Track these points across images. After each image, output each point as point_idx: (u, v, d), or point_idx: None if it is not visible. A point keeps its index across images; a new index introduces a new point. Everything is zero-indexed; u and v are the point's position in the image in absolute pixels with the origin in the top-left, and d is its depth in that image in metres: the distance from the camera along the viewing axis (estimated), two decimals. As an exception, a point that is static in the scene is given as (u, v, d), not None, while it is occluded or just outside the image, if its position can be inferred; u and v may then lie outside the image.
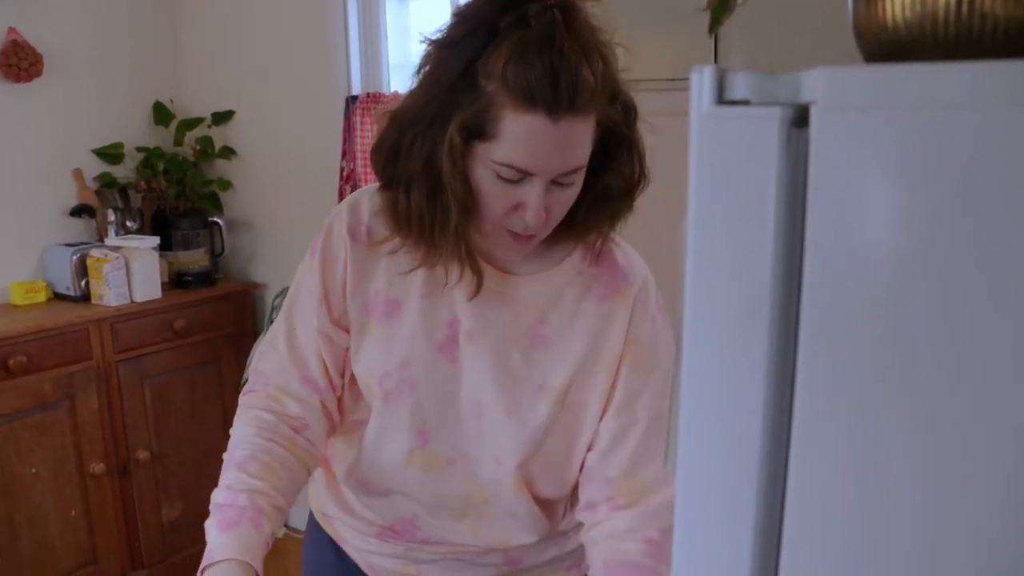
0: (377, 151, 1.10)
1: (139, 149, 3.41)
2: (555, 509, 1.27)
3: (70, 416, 2.88)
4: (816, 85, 0.48)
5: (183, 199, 3.40)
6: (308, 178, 3.27)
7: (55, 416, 2.84)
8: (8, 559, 2.76)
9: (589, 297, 1.19)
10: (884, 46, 0.59)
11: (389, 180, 1.10)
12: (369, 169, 2.86)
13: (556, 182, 1.04)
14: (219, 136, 3.50)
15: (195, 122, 3.46)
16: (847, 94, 0.47)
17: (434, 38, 1.05)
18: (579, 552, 1.29)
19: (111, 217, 3.21)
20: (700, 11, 1.92)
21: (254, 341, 3.45)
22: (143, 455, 3.08)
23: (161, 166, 3.37)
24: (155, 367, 3.10)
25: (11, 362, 2.69)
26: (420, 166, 1.04)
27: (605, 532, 1.14)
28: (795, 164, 0.50)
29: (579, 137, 1.03)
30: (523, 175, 1.02)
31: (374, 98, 2.92)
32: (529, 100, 0.97)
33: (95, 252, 3.03)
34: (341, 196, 3.05)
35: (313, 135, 3.22)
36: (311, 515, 1.48)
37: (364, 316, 1.19)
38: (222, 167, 3.54)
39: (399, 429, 1.20)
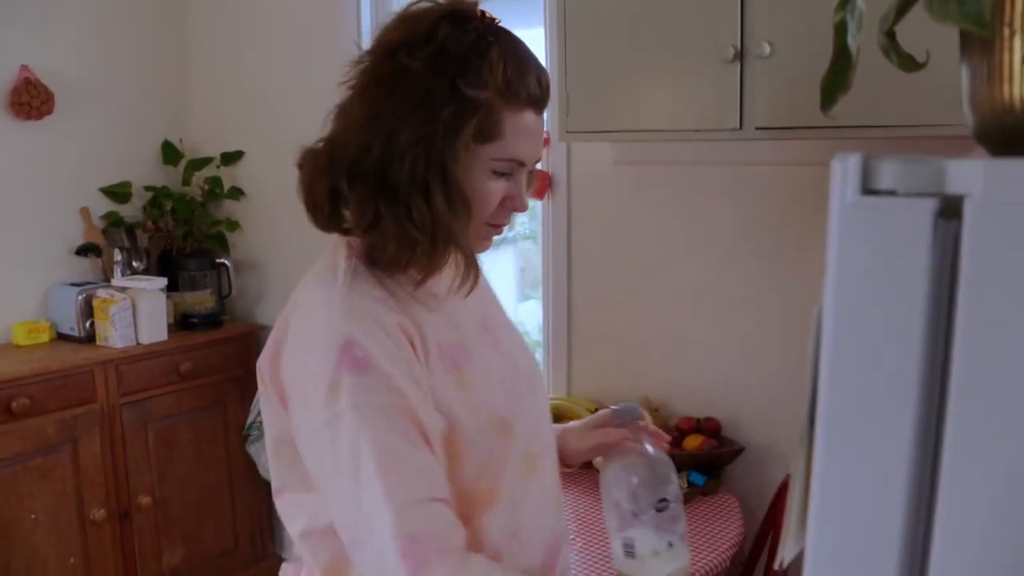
0: (359, 189, 1.08)
1: (147, 188, 3.39)
2: None
3: (72, 460, 2.82)
4: (971, 177, 0.46)
5: (190, 239, 3.37)
6: (318, 220, 3.25)
7: (57, 460, 2.78)
8: (4, 607, 2.69)
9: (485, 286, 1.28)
10: (1007, 129, 0.58)
11: (376, 215, 1.07)
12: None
13: (530, 167, 1.16)
14: (228, 176, 3.48)
15: (204, 162, 3.44)
16: (1009, 188, 0.45)
17: (386, 69, 1.08)
18: None
19: (117, 257, 3.18)
20: (726, 63, 1.93)
21: (259, 384, 3.40)
22: (145, 500, 3.02)
23: (169, 205, 3.35)
24: (159, 410, 3.05)
25: (14, 404, 2.64)
26: (415, 187, 1.06)
27: None
28: (943, 256, 0.48)
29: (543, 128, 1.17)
30: (517, 167, 1.12)
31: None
32: (525, 100, 1.09)
33: (101, 292, 2.99)
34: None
35: (324, 177, 3.20)
36: None
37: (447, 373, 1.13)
38: (230, 207, 3.52)
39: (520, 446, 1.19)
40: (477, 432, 1.12)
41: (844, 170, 0.48)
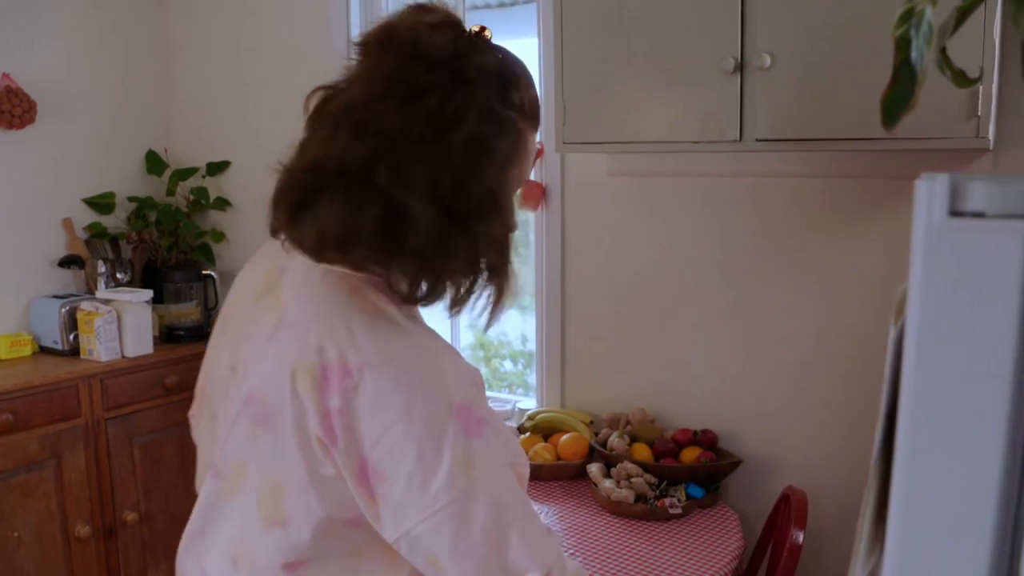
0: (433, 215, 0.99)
1: (131, 199, 3.33)
2: None
3: (56, 476, 2.76)
4: (1063, 198, 0.45)
5: (175, 250, 3.32)
6: (306, 231, 3.21)
7: (40, 477, 2.72)
8: (-14, 628, 2.62)
9: None
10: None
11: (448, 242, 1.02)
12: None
13: None
14: (213, 186, 3.43)
15: (189, 172, 3.39)
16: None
17: (431, 101, 0.99)
18: None
19: (101, 268, 3.12)
20: (727, 74, 1.92)
21: (245, 397, 3.35)
22: (131, 516, 2.96)
23: (153, 216, 3.30)
24: (145, 425, 2.99)
25: (-3, 420, 2.58)
26: (482, 213, 1.03)
27: None
28: (1033, 279, 0.46)
29: None
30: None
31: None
32: (538, 121, 1.12)
33: (85, 305, 2.94)
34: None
35: (313, 188, 3.17)
36: None
37: None
38: (216, 218, 3.47)
39: None
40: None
41: (931, 191, 0.47)
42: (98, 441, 2.86)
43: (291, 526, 1.02)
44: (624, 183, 2.48)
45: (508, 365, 3.44)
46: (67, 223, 3.18)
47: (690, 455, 2.31)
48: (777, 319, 2.30)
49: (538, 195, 2.59)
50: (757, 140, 1.95)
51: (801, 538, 1.86)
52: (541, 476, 2.43)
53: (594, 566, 1.93)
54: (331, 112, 1.04)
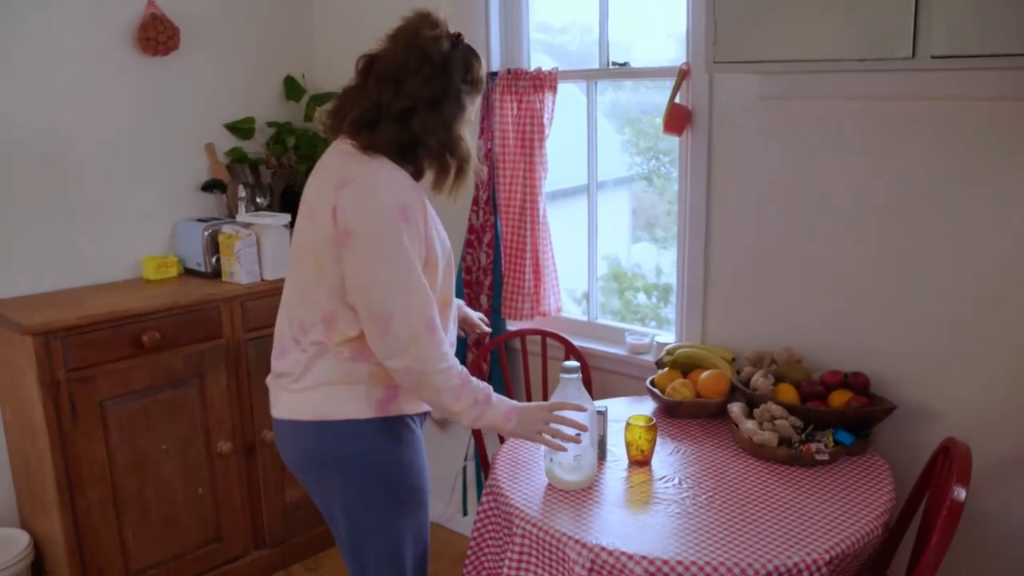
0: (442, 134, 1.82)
1: (270, 124, 3.36)
2: None
3: (199, 394, 2.85)
4: None
5: (313, 176, 3.33)
6: (441, 157, 3.17)
7: (185, 394, 2.81)
8: (138, 532, 2.75)
9: None
10: None
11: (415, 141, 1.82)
12: (509, 147, 2.73)
13: None
14: (350, 112, 3.42)
15: (326, 97, 3.38)
16: None
17: (435, 75, 1.78)
18: None
19: (241, 193, 3.17)
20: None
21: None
22: (269, 435, 3.04)
23: (291, 141, 3.32)
24: (283, 347, 3.05)
25: (145, 338, 2.67)
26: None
27: None
28: None
29: None
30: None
31: (515, 75, 2.78)
32: (481, 90, 1.89)
33: (227, 228, 2.99)
34: (477, 175, 2.93)
35: (448, 113, 3.11)
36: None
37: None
38: (352, 144, 3.47)
39: None
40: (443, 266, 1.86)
41: None
42: (239, 362, 2.93)
43: (324, 286, 1.77)
44: (777, 107, 2.31)
45: (642, 298, 3.34)
46: (209, 148, 3.23)
47: (839, 399, 2.16)
48: (942, 257, 2.11)
49: (683, 119, 2.44)
50: (933, 57, 1.75)
51: (964, 495, 1.70)
52: (679, 413, 2.34)
53: (733, 510, 1.83)
54: (377, 72, 1.81)
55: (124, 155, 3.01)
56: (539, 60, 2.99)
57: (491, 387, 1.83)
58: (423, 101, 1.75)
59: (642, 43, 2.80)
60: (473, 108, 1.86)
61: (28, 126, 2.78)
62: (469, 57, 1.82)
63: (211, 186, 3.20)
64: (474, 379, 1.81)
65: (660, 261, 3.14)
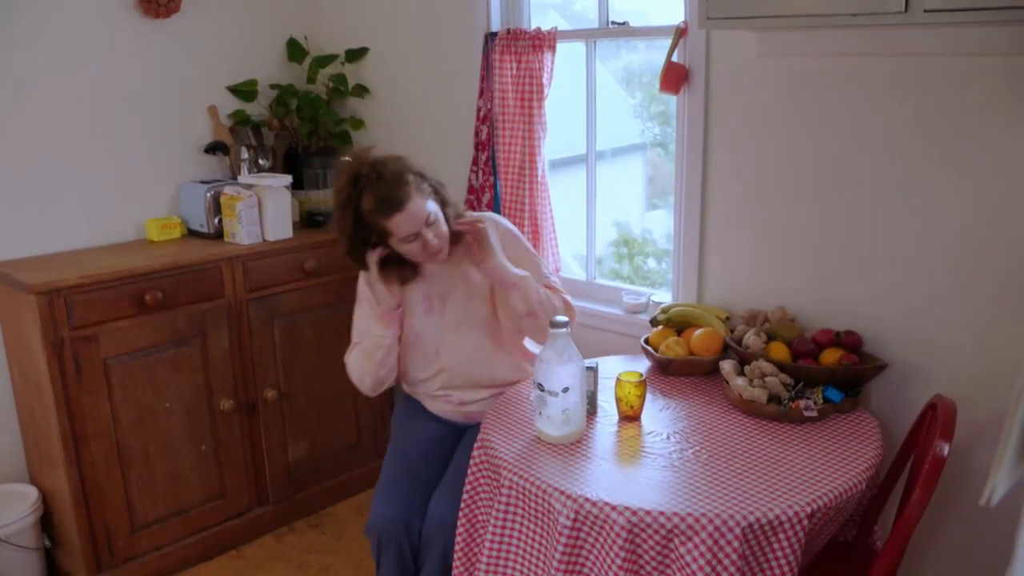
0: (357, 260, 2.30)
1: (272, 86, 3.37)
2: None
3: (202, 353, 2.89)
4: None
5: (315, 138, 3.35)
6: (442, 117, 3.18)
7: (188, 352, 2.85)
8: (143, 488, 2.81)
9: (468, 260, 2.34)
10: None
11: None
12: (508, 107, 2.73)
13: (428, 225, 2.18)
14: (352, 74, 3.43)
15: (329, 59, 3.39)
16: None
17: (335, 214, 2.24)
18: None
19: (244, 155, 3.19)
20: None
21: (381, 284, 3.40)
22: (270, 394, 3.08)
23: (294, 103, 3.33)
24: (285, 307, 3.08)
25: (147, 297, 2.70)
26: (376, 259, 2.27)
27: None
28: None
29: (419, 207, 2.15)
30: (414, 236, 2.17)
31: (515, 35, 2.78)
32: (390, 211, 2.13)
33: (228, 190, 3.01)
34: (477, 136, 2.94)
35: (449, 73, 3.11)
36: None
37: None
38: (355, 105, 3.48)
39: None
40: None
41: None
42: (241, 321, 2.96)
43: None
44: (775, 65, 2.30)
45: (652, 263, 3.34)
46: (212, 111, 3.25)
47: (831, 357, 2.17)
48: (933, 218, 2.10)
49: (680, 78, 2.44)
50: (926, 11, 1.73)
51: (946, 450, 1.71)
52: (671, 371, 2.35)
53: (720, 464, 1.85)
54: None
55: (127, 118, 3.04)
56: (550, 21, 2.97)
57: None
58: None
59: (647, 3, 2.79)
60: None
61: (30, 89, 2.80)
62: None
63: (214, 148, 3.22)
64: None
65: (671, 228, 3.15)
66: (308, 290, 3.14)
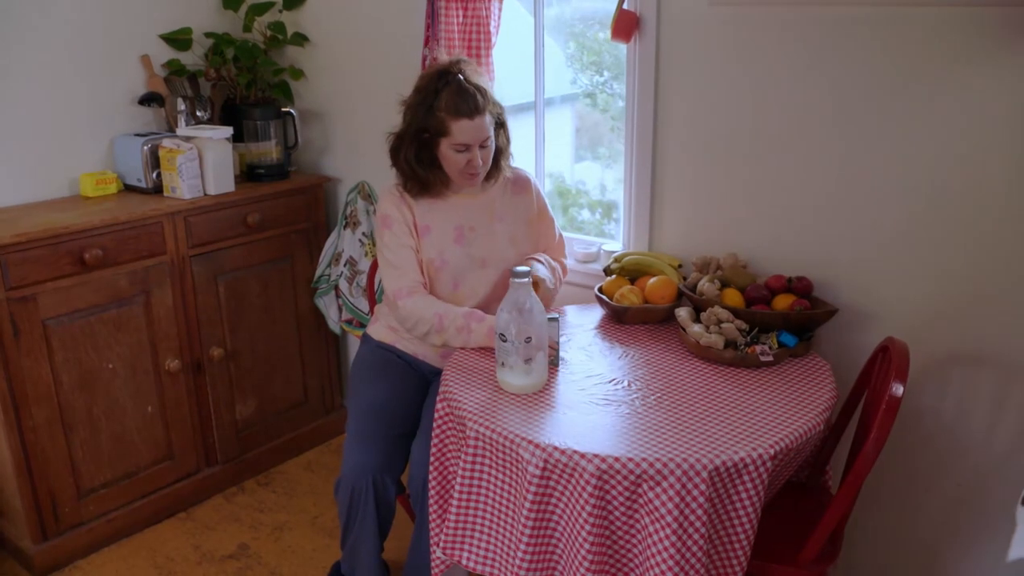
0: (394, 152, 2.38)
1: (207, 34, 3.25)
2: None
3: (145, 312, 2.81)
4: None
5: (254, 88, 3.25)
6: (386, 67, 3.11)
7: (131, 312, 2.77)
8: (88, 451, 2.74)
9: (508, 194, 2.48)
10: None
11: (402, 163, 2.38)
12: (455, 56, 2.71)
13: (481, 146, 2.27)
14: (291, 21, 3.33)
15: (265, 6, 3.28)
16: None
17: (409, 100, 2.33)
18: None
19: (180, 106, 3.08)
20: None
21: (326, 237, 3.34)
22: (217, 352, 3.02)
23: (231, 53, 3.22)
24: (229, 263, 3.01)
25: (87, 255, 2.61)
26: (414, 155, 2.33)
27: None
28: None
29: (485, 124, 2.25)
30: (466, 147, 2.26)
31: (461, -18, 2.72)
32: (460, 114, 2.22)
33: (167, 143, 2.91)
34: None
35: (393, 21, 3.04)
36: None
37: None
38: (294, 55, 3.38)
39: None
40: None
41: None
42: (184, 278, 2.89)
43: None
44: (726, 14, 2.30)
45: (585, 214, 3.34)
46: (145, 60, 3.12)
47: (783, 302, 2.21)
48: (885, 167, 2.14)
49: (631, 25, 2.42)
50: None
51: (901, 391, 1.77)
52: (627, 319, 2.37)
53: (682, 409, 1.88)
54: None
55: (54, 68, 2.90)
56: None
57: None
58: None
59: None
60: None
61: (-49, 35, 2.65)
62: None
63: (148, 99, 3.10)
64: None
65: (604, 179, 3.14)
66: (252, 245, 3.07)
